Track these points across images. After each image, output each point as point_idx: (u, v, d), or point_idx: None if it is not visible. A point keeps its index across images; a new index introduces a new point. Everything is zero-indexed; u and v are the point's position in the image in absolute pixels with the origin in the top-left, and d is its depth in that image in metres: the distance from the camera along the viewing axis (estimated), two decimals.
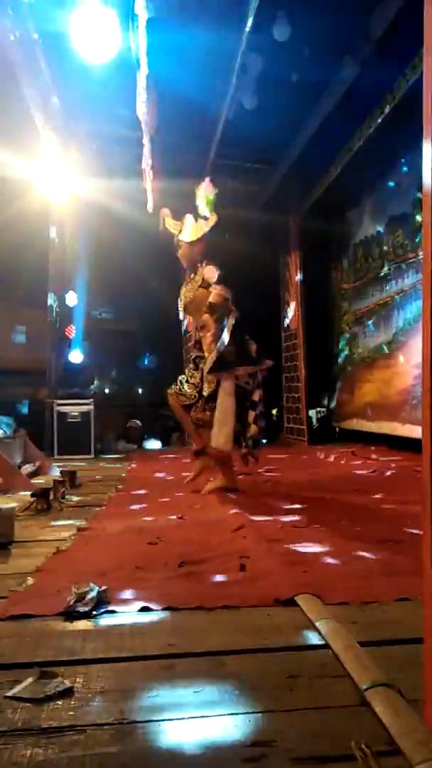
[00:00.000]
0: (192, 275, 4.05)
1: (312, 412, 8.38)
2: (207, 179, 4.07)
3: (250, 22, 4.49)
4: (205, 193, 3.98)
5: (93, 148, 6.57)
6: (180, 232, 4.03)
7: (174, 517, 3.02)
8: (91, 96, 5.69)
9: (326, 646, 1.37)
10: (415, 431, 5.52)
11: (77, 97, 5.74)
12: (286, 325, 8.37)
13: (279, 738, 1.02)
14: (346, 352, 7.90)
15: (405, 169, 6.08)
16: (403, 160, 6.04)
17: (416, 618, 1.08)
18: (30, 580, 1.94)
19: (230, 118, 5.74)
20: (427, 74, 1.01)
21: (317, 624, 1.48)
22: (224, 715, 1.10)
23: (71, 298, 7.78)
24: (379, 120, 5.55)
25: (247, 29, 4.58)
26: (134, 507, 3.39)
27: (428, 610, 1.00)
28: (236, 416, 3.60)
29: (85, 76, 5.09)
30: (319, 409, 8.84)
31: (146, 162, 5.48)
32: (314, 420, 8.46)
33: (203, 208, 3.99)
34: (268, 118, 5.80)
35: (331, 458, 5.97)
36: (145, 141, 5.24)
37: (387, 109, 5.39)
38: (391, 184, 6.43)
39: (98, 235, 7.61)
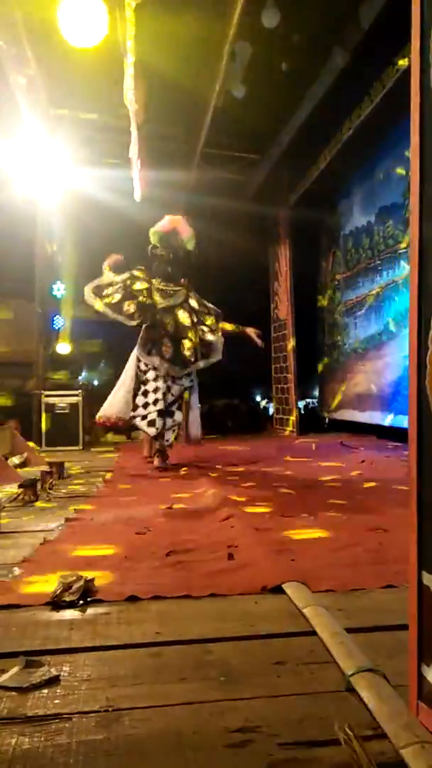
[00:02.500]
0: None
1: (301, 403, 8.40)
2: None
3: (239, 8, 4.44)
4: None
5: (80, 137, 6.50)
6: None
7: (162, 507, 3.02)
8: (78, 83, 5.62)
9: (313, 632, 1.38)
10: (406, 422, 5.56)
11: (64, 84, 5.67)
12: (275, 315, 8.38)
13: (264, 723, 1.02)
14: (337, 342, 7.91)
15: (395, 158, 6.07)
16: (392, 149, 6.04)
17: (402, 605, 1.09)
18: (17, 571, 1.93)
19: (219, 106, 5.70)
20: (414, 67, 1.01)
21: (304, 611, 1.49)
22: (210, 701, 1.11)
23: (59, 289, 7.73)
24: (369, 109, 5.54)
25: (236, 16, 4.53)
26: (122, 497, 3.39)
27: (413, 597, 1.00)
28: None
29: (72, 62, 5.03)
30: (308, 399, 8.87)
31: (134, 151, 5.43)
32: (302, 410, 8.49)
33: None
34: (258, 107, 5.78)
35: (312, 446, 6.01)
36: (133, 129, 5.19)
37: (376, 99, 5.38)
38: (381, 174, 6.43)
39: (85, 224, 7.55)
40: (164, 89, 5.40)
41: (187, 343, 4.57)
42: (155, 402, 4.50)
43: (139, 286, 4.59)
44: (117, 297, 4.50)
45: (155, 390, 4.52)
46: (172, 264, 4.72)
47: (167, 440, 4.57)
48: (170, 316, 4.61)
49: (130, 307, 4.48)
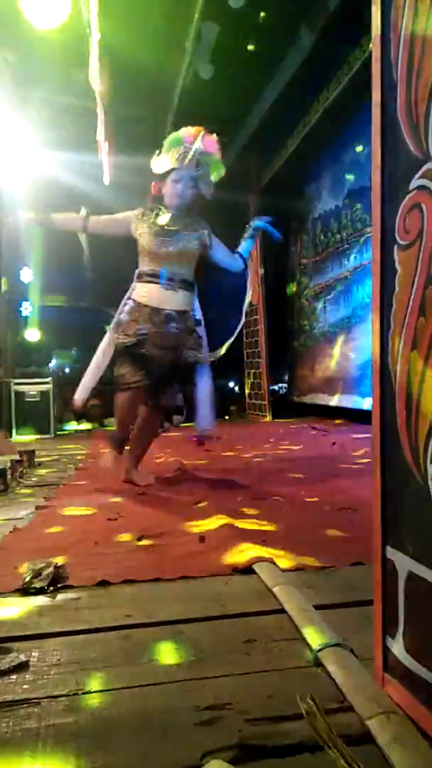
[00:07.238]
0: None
1: (272, 388, 8.44)
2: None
3: None
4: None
5: (46, 119, 6.36)
6: None
7: (134, 493, 3.01)
8: (43, 64, 5.49)
9: (282, 610, 1.39)
10: None
11: (29, 65, 5.53)
12: (246, 301, 8.36)
13: (233, 701, 1.03)
14: (307, 326, 7.95)
15: (363, 141, 6.08)
16: (361, 132, 6.04)
17: (369, 581, 1.10)
18: None
19: (186, 88, 5.63)
20: (375, 63, 1.00)
21: (274, 590, 1.50)
22: (179, 681, 1.11)
23: (26, 275, 7.60)
24: (336, 91, 5.53)
25: None
26: (94, 485, 3.36)
27: (377, 570, 1.02)
28: None
29: (37, 42, 4.90)
30: (280, 384, 8.92)
31: (101, 133, 5.33)
32: (273, 395, 8.54)
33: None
34: (225, 89, 5.72)
35: (280, 431, 6.05)
36: (99, 111, 5.09)
37: (344, 81, 5.37)
38: (350, 157, 6.44)
39: (53, 208, 7.41)
40: (130, 70, 5.30)
41: None
42: None
43: None
44: None
45: None
46: None
47: None
48: None
49: None
